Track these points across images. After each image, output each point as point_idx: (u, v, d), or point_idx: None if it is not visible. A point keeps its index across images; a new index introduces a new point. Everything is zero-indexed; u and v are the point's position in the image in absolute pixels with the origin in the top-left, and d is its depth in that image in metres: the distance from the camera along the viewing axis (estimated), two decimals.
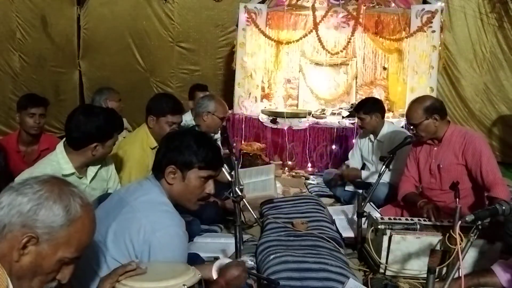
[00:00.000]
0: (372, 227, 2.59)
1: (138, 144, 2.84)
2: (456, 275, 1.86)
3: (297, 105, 5.81)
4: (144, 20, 6.50)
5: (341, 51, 5.50)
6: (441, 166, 2.91)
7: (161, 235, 1.53)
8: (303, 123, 5.21)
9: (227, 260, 1.73)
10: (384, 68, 5.80)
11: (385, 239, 2.45)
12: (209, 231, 3.11)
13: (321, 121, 5.32)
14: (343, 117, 5.36)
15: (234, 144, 4.79)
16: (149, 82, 6.68)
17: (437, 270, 1.98)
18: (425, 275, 1.81)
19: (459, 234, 1.80)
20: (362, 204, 2.79)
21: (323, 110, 5.60)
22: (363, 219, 2.77)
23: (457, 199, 2.33)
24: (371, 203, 3.20)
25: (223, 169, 2.76)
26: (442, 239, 2.39)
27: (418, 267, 2.43)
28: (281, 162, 5.02)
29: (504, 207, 1.84)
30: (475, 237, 1.82)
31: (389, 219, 2.63)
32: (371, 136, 3.87)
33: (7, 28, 5.79)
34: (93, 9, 6.49)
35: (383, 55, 5.75)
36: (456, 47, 5.95)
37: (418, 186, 3.11)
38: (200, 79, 6.66)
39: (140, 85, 6.53)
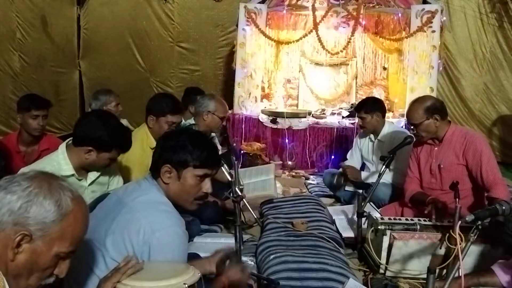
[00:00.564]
0: (372, 227, 2.59)
1: (138, 144, 2.84)
2: (456, 275, 1.86)
3: (297, 105, 5.81)
4: (144, 20, 6.50)
5: (341, 51, 5.49)
6: (441, 166, 2.91)
7: (160, 236, 1.52)
8: (303, 123, 5.21)
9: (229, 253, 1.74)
10: (384, 68, 5.80)
11: (385, 239, 2.45)
12: (209, 231, 3.11)
13: (321, 121, 5.32)
14: (343, 117, 5.36)
15: (234, 144, 4.79)
16: (149, 82, 6.68)
17: (437, 270, 1.99)
18: (425, 275, 1.81)
19: (459, 234, 1.80)
20: (362, 204, 2.78)
21: (323, 110, 5.60)
22: (363, 219, 2.77)
23: (457, 199, 2.33)
24: (371, 203, 3.20)
25: (223, 169, 2.76)
26: (442, 239, 2.39)
27: (418, 267, 2.42)
28: (281, 162, 5.02)
29: (504, 207, 1.84)
30: (475, 237, 1.82)
31: (389, 219, 2.62)
32: (372, 136, 3.87)
33: (7, 28, 5.79)
34: (93, 9, 6.49)
35: (383, 55, 5.75)
36: (456, 47, 5.95)
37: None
38: (200, 79, 6.69)
39: (140, 85, 6.53)
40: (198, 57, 6.66)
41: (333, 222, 3.17)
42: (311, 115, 5.40)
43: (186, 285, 1.27)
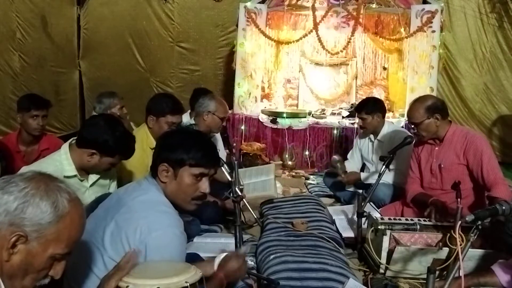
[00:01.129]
0: (372, 227, 2.59)
1: (138, 144, 2.82)
2: (456, 275, 1.86)
3: (297, 105, 5.81)
4: (144, 20, 6.50)
5: (341, 51, 5.49)
6: (442, 166, 2.91)
7: (157, 236, 1.52)
8: (303, 123, 5.21)
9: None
10: (384, 68, 5.80)
11: (385, 239, 2.45)
12: (209, 231, 3.10)
13: (321, 121, 5.32)
14: (343, 117, 5.36)
15: (234, 144, 4.78)
16: (149, 82, 6.68)
17: (437, 270, 1.98)
18: (425, 275, 1.81)
19: (460, 234, 1.80)
20: (362, 204, 2.78)
21: (323, 110, 5.60)
22: (363, 219, 2.77)
23: (459, 199, 2.32)
24: (371, 203, 3.20)
25: (223, 169, 2.76)
26: (442, 239, 2.39)
27: (418, 267, 2.42)
28: (281, 162, 5.02)
29: (504, 207, 1.84)
30: (475, 237, 1.82)
31: (389, 219, 2.63)
32: (371, 136, 3.87)
33: (7, 28, 5.79)
34: (93, 9, 6.49)
35: (383, 55, 5.75)
36: (456, 47, 5.95)
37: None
38: (200, 79, 6.69)
39: (140, 85, 6.53)
40: (198, 57, 6.66)
41: (333, 222, 3.17)
42: (311, 115, 5.40)
43: (188, 284, 1.27)
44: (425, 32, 5.00)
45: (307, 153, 5.12)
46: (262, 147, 5.00)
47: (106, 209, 1.69)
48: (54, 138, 3.66)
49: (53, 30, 6.20)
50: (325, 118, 5.42)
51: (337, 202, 3.97)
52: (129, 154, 2.36)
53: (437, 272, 2.04)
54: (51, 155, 2.35)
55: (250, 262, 2.58)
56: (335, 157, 3.94)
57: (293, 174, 4.83)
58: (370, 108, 3.72)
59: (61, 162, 2.24)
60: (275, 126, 5.23)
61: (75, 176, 2.26)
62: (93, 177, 2.36)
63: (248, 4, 5.38)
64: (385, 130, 3.76)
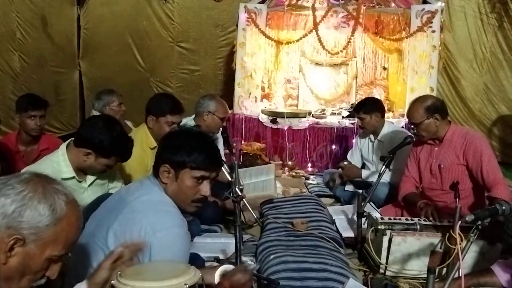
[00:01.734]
0: (372, 227, 2.59)
1: (138, 144, 2.83)
2: (456, 275, 1.86)
3: (297, 105, 5.81)
4: (144, 20, 6.50)
5: (341, 51, 5.49)
6: (442, 166, 2.91)
7: (161, 236, 1.52)
8: (303, 123, 5.21)
9: (231, 267, 1.69)
10: (384, 68, 5.79)
11: (385, 239, 2.45)
12: (209, 231, 3.10)
13: (321, 121, 5.32)
14: (343, 117, 5.36)
15: (234, 144, 4.78)
16: (149, 82, 6.68)
17: (437, 270, 1.98)
18: (425, 275, 1.81)
19: (459, 234, 1.80)
20: (362, 204, 2.78)
21: (323, 110, 5.60)
22: (363, 219, 2.77)
23: (458, 199, 2.32)
24: (371, 203, 3.20)
25: (223, 169, 2.76)
26: (442, 239, 2.39)
27: (418, 267, 2.42)
28: (281, 162, 5.01)
29: (504, 207, 1.84)
30: (475, 237, 1.82)
31: (389, 219, 2.63)
32: (371, 136, 3.87)
33: (7, 28, 5.79)
34: (93, 9, 6.49)
35: (383, 55, 5.75)
36: (456, 47, 5.95)
37: (419, 186, 3.10)
38: (200, 79, 6.69)
39: (140, 85, 6.53)
40: (198, 57, 6.65)
41: (333, 222, 3.17)
42: (311, 115, 5.40)
43: (187, 286, 1.27)
44: (425, 32, 5.00)
45: (307, 153, 5.12)
46: (262, 147, 5.00)
47: (108, 209, 1.68)
48: (54, 138, 3.66)
49: (53, 30, 6.20)
50: (325, 118, 5.41)
51: (337, 202, 3.97)
52: (125, 156, 2.34)
53: (437, 271, 2.04)
54: (48, 156, 2.34)
55: (250, 262, 2.58)
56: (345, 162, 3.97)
57: (293, 174, 4.83)
58: (369, 108, 3.72)
59: (58, 163, 2.24)
60: (275, 126, 5.22)
61: (73, 177, 2.26)
62: (91, 178, 2.35)
63: (248, 4, 5.38)
64: (385, 130, 3.76)
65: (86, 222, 1.76)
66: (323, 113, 5.50)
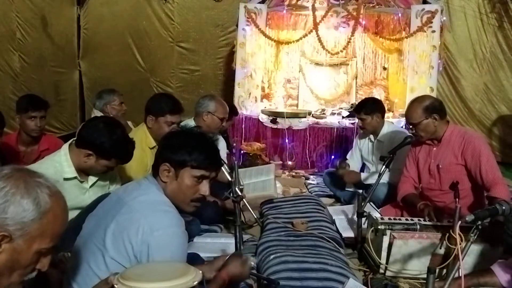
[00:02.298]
0: (372, 227, 2.59)
1: (137, 144, 2.81)
2: (456, 275, 1.86)
3: (297, 105, 5.81)
4: (144, 20, 6.50)
5: (341, 51, 5.49)
6: (440, 166, 2.91)
7: (159, 235, 1.52)
8: (303, 123, 5.21)
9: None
10: (384, 68, 5.80)
11: (385, 239, 2.45)
12: (209, 231, 3.11)
13: (321, 121, 5.32)
14: (343, 117, 5.36)
15: (234, 144, 4.78)
16: (149, 82, 6.68)
17: (437, 270, 1.98)
18: (425, 275, 1.81)
19: (459, 234, 1.80)
20: (362, 204, 2.78)
21: (323, 110, 5.60)
22: (363, 219, 2.77)
23: (457, 199, 2.32)
24: (371, 203, 3.20)
25: (223, 169, 2.76)
26: (442, 239, 2.39)
27: (418, 267, 2.42)
28: (281, 162, 5.02)
29: (504, 207, 1.84)
30: (475, 237, 1.82)
31: (389, 219, 2.63)
32: (371, 136, 3.87)
33: (7, 28, 5.79)
34: (93, 9, 6.49)
35: (383, 55, 5.75)
36: (456, 47, 5.95)
37: (418, 186, 3.10)
38: (200, 79, 6.69)
39: (140, 85, 6.53)
40: (198, 57, 6.65)
41: (333, 222, 3.17)
42: (311, 115, 5.40)
43: (187, 286, 1.27)
44: (425, 32, 5.00)
45: (307, 153, 5.12)
46: (262, 147, 5.00)
47: (106, 209, 1.68)
48: (54, 138, 3.66)
49: (53, 30, 6.20)
50: (325, 118, 5.42)
51: (337, 202, 3.97)
52: (126, 159, 2.35)
53: (437, 271, 2.04)
54: (51, 155, 2.34)
55: (252, 263, 2.58)
56: (345, 162, 3.96)
57: (293, 174, 4.83)
58: (369, 109, 3.72)
59: (60, 163, 2.24)
60: (275, 126, 5.22)
61: (75, 178, 2.26)
62: (93, 178, 2.35)
63: (248, 4, 5.38)
64: (385, 130, 3.76)
65: (84, 223, 1.76)
66: (323, 113, 5.50)
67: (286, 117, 5.23)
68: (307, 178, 4.71)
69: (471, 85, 6.02)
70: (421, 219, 2.63)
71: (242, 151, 4.90)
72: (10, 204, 1.09)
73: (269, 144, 5.19)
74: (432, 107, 2.86)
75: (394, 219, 2.64)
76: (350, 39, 5.28)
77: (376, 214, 2.89)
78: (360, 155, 4.03)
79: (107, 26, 6.53)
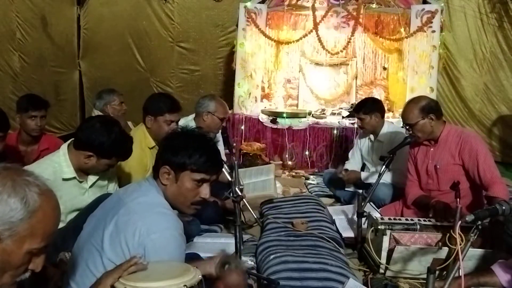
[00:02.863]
0: (372, 227, 2.59)
1: (137, 144, 2.82)
2: (456, 275, 1.86)
3: (297, 105, 5.81)
4: (144, 20, 6.50)
5: (341, 51, 5.50)
6: (438, 166, 2.91)
7: (156, 238, 1.51)
8: (303, 123, 5.21)
9: (231, 256, 1.72)
10: (384, 68, 5.80)
11: (385, 239, 2.45)
12: (209, 231, 3.10)
13: (321, 121, 5.32)
14: (343, 117, 5.36)
15: (234, 144, 4.78)
16: (149, 82, 6.68)
17: (437, 271, 1.98)
18: (425, 276, 1.81)
19: (460, 234, 1.80)
20: (362, 204, 2.78)
21: (323, 110, 5.60)
22: (363, 219, 2.77)
23: (458, 199, 2.32)
24: (371, 203, 3.20)
25: (223, 169, 2.75)
26: (442, 239, 2.39)
27: (418, 267, 2.42)
28: (281, 162, 5.02)
29: (504, 207, 1.84)
30: (475, 237, 1.82)
31: (389, 219, 2.63)
32: (371, 136, 3.87)
33: (7, 28, 5.79)
34: (93, 9, 6.49)
35: (383, 55, 5.75)
36: (456, 47, 5.94)
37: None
38: (200, 79, 6.69)
39: (140, 85, 6.53)
40: (198, 57, 6.65)
41: (333, 222, 3.17)
42: (311, 115, 5.40)
43: (187, 286, 1.27)
44: (425, 32, 5.00)
45: (307, 153, 5.13)
46: (262, 147, 5.00)
47: (105, 210, 1.68)
48: (54, 138, 3.66)
49: (53, 30, 6.20)
50: (325, 118, 5.42)
51: (337, 202, 3.97)
52: (126, 155, 2.36)
53: (437, 272, 2.04)
54: (49, 156, 2.34)
55: (250, 262, 2.58)
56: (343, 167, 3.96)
57: (293, 174, 4.83)
58: (368, 108, 3.72)
59: (59, 163, 2.24)
60: (275, 126, 5.23)
61: (74, 178, 2.26)
62: (92, 178, 2.35)
63: (248, 4, 5.38)
64: (385, 130, 3.76)
65: (85, 223, 1.76)
66: (323, 113, 5.50)
67: (286, 117, 5.23)
68: (307, 178, 4.71)
69: (471, 85, 6.02)
70: (421, 219, 2.63)
71: (242, 151, 4.89)
72: None
73: (269, 144, 5.19)
74: (428, 107, 2.86)
75: (394, 219, 2.64)
76: (350, 39, 5.28)
77: (376, 214, 2.89)
78: (360, 154, 4.03)
79: (107, 26, 6.53)
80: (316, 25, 5.22)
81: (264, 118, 5.32)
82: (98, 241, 1.57)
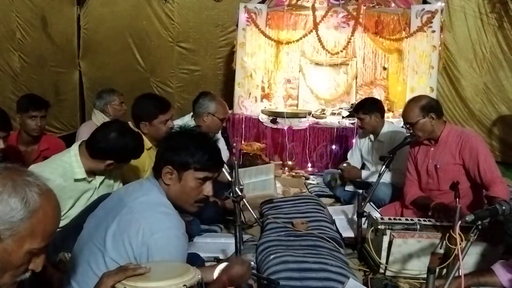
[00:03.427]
0: (372, 227, 2.59)
1: None
2: (456, 275, 1.86)
3: (297, 105, 5.81)
4: (144, 20, 6.49)
5: (341, 51, 5.49)
6: (438, 166, 2.91)
7: (159, 237, 1.51)
8: (303, 123, 5.21)
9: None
10: (384, 68, 5.80)
11: (385, 239, 2.45)
12: (209, 231, 3.11)
13: (321, 121, 5.32)
14: (343, 117, 5.36)
15: (234, 144, 4.78)
16: (149, 82, 6.67)
17: (437, 270, 1.98)
18: (425, 275, 1.81)
19: (460, 234, 1.80)
20: (362, 204, 2.78)
21: (323, 110, 5.60)
22: (363, 219, 2.77)
23: (457, 199, 2.32)
24: (371, 203, 3.20)
25: (223, 169, 2.75)
26: (442, 239, 2.39)
27: (418, 267, 2.42)
28: (281, 162, 5.01)
29: (504, 207, 1.84)
30: (475, 237, 1.82)
31: (389, 219, 2.63)
32: (371, 136, 3.87)
33: (7, 28, 5.80)
34: (93, 9, 6.48)
35: (383, 55, 5.75)
36: (456, 47, 5.95)
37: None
38: (200, 79, 6.69)
39: (140, 85, 6.52)
40: (198, 57, 6.65)
41: (333, 222, 3.17)
42: (311, 115, 5.40)
43: (186, 286, 1.27)
44: (425, 32, 5.00)
45: (307, 153, 5.12)
46: (262, 147, 5.00)
47: (107, 209, 1.68)
48: (54, 138, 3.66)
49: (53, 30, 6.20)
50: (325, 118, 5.42)
51: (337, 202, 3.97)
52: (140, 154, 2.46)
53: (437, 271, 2.04)
54: (58, 155, 2.36)
55: (251, 263, 2.58)
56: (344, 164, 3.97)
57: (293, 174, 4.83)
58: (368, 108, 3.73)
59: (70, 164, 2.26)
60: (275, 126, 5.23)
61: (84, 179, 2.30)
62: (99, 178, 2.39)
63: (248, 4, 5.38)
64: (385, 130, 3.76)
65: (85, 223, 1.76)
66: (323, 113, 5.50)
67: (286, 117, 5.23)
68: (307, 178, 4.71)
69: (471, 85, 6.02)
70: (421, 219, 2.63)
71: (242, 151, 4.89)
72: None
73: (269, 144, 5.19)
74: (428, 106, 2.86)
75: (394, 219, 2.64)
76: (350, 39, 5.28)
77: (376, 214, 2.89)
78: (360, 154, 4.04)
79: (107, 26, 6.53)
80: (316, 25, 5.22)
81: (264, 118, 5.32)
82: (100, 240, 1.57)
